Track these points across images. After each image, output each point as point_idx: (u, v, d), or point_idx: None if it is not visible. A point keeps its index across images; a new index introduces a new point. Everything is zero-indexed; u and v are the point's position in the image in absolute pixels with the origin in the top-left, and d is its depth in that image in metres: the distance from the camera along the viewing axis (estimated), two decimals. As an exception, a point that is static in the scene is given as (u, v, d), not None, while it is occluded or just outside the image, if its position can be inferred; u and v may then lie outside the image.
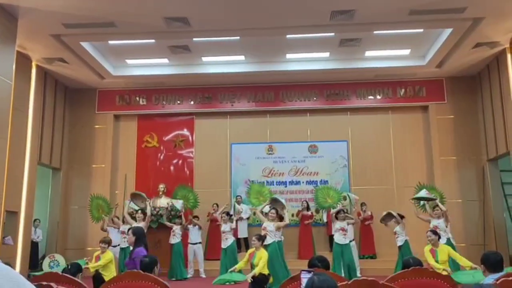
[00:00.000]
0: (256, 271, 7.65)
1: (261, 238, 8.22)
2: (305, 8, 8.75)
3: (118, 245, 10.53)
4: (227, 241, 10.27)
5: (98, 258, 7.96)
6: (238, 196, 12.13)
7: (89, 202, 11.12)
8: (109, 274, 7.63)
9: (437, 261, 7.16)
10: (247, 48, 11.21)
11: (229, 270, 8.20)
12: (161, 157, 13.17)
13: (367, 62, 11.87)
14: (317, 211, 12.32)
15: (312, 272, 3.15)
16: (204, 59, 11.79)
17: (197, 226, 11.00)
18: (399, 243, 9.55)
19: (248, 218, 12.03)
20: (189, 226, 11.02)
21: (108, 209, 10.90)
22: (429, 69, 11.89)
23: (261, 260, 7.78)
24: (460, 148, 12.30)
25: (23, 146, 10.67)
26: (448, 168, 12.18)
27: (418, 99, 12.70)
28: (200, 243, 11.01)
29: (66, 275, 3.95)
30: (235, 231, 11.75)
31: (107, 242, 8.21)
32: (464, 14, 9.01)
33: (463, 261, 7.22)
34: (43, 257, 11.33)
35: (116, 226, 10.69)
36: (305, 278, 3.11)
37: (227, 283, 8.53)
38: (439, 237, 7.68)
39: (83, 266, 7.54)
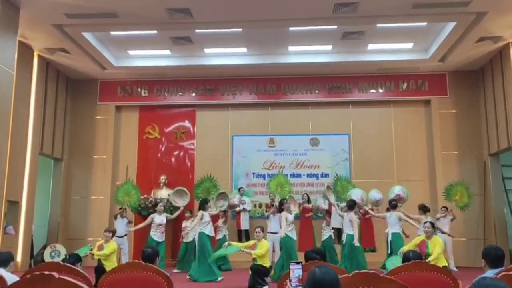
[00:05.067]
0: (255, 252, 7.82)
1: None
2: (307, 0, 8.71)
3: (125, 235, 10.64)
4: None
5: (101, 247, 7.98)
6: (240, 188, 12.15)
7: (122, 183, 11.23)
8: (111, 264, 7.66)
9: (428, 253, 7.19)
10: (249, 40, 11.18)
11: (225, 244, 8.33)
12: (163, 148, 13.17)
13: (370, 56, 11.84)
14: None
15: (301, 264, 3.19)
16: (206, 50, 11.75)
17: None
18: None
19: (249, 210, 12.04)
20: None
21: (136, 201, 10.95)
22: (432, 63, 11.86)
23: (262, 249, 7.89)
24: (461, 142, 12.29)
25: (25, 136, 10.69)
26: (450, 163, 12.17)
27: (420, 93, 12.67)
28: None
29: (67, 264, 3.97)
30: (237, 223, 11.78)
31: (112, 232, 8.24)
32: (467, 8, 8.97)
33: (434, 253, 7.17)
34: (44, 247, 11.37)
35: (126, 217, 10.79)
36: (294, 269, 3.15)
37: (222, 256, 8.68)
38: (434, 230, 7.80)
39: (88, 252, 7.62)
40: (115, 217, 10.78)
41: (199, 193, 11.10)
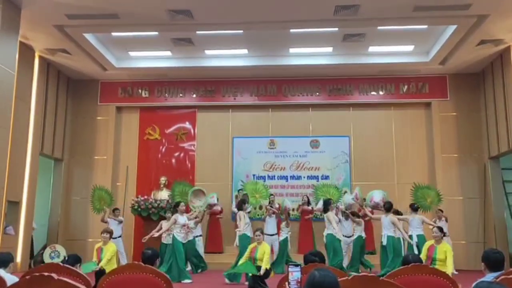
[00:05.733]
0: (264, 265, 7.78)
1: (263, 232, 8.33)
2: (309, 3, 8.72)
3: (119, 236, 10.63)
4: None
5: (100, 250, 7.94)
6: (240, 189, 12.14)
7: (91, 193, 11.15)
8: (111, 266, 7.62)
9: (434, 258, 7.18)
10: (250, 41, 11.19)
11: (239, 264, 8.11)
12: (163, 149, 13.17)
13: (371, 58, 11.85)
14: (317, 206, 12.32)
15: (299, 266, 3.19)
16: (207, 52, 11.76)
17: (197, 219, 11.00)
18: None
19: (249, 212, 12.01)
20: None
21: (110, 201, 10.93)
22: (432, 66, 11.86)
23: (265, 254, 7.88)
24: (462, 145, 12.28)
25: (25, 136, 10.69)
26: (450, 165, 12.17)
27: (421, 96, 12.68)
28: (200, 235, 11.00)
29: (67, 266, 3.97)
30: (236, 225, 11.75)
31: (110, 232, 8.20)
32: (468, 11, 8.98)
33: (449, 264, 7.18)
34: (44, 247, 11.37)
35: (116, 218, 10.74)
36: (293, 271, 3.14)
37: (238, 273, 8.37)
38: (444, 235, 7.76)
39: (95, 268, 7.50)
40: (103, 220, 10.68)
41: (177, 196, 11.12)
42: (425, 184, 10.87)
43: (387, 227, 9.16)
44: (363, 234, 10.22)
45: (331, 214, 9.24)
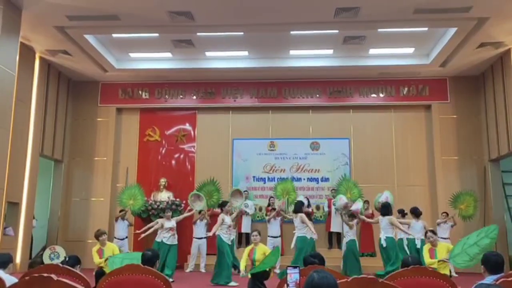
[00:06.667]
0: (273, 266, 7.83)
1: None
2: (309, 5, 8.73)
3: (126, 237, 10.66)
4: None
5: (101, 251, 7.94)
6: (245, 191, 12.13)
7: (128, 185, 11.35)
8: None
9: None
10: (250, 43, 11.19)
11: (241, 274, 8.04)
12: (163, 151, 13.17)
13: (371, 60, 11.85)
14: (317, 208, 12.33)
15: (298, 268, 3.18)
16: (208, 54, 11.77)
17: (204, 221, 10.99)
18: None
19: (252, 214, 11.99)
20: (198, 220, 11.04)
21: (140, 206, 10.96)
22: (432, 68, 11.87)
23: (266, 254, 7.88)
24: (462, 148, 12.28)
25: (26, 137, 10.70)
26: (450, 168, 12.17)
27: (421, 98, 12.68)
28: (205, 238, 10.95)
29: (66, 266, 3.96)
30: (238, 226, 11.72)
31: (105, 233, 8.20)
32: (469, 14, 8.98)
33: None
34: (44, 249, 11.37)
35: (127, 219, 10.79)
36: (291, 273, 3.13)
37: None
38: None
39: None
40: (116, 220, 10.79)
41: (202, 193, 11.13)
42: (477, 199, 11.01)
43: (420, 231, 9.35)
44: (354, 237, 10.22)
45: (394, 217, 9.34)
